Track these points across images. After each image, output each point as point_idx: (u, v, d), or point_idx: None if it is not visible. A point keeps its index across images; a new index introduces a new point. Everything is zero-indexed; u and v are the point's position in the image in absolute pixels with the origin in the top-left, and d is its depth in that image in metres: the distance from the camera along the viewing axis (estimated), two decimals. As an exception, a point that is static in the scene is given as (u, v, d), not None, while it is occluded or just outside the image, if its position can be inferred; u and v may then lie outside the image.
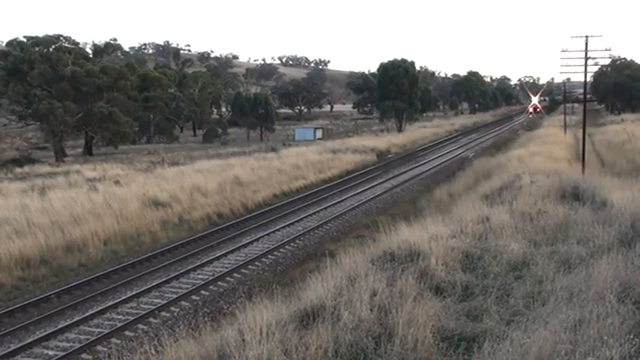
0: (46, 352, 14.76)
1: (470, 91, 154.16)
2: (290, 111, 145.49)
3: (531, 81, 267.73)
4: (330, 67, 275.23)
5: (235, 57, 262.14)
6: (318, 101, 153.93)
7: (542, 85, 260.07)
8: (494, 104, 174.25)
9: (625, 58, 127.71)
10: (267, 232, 26.34)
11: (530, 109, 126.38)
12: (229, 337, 9.36)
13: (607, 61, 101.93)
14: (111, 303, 17.76)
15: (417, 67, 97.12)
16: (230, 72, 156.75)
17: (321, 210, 31.37)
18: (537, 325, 8.64)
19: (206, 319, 15.09)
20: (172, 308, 17.57)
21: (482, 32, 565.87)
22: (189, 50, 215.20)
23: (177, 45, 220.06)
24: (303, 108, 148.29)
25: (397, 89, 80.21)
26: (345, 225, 28.65)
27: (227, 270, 20.81)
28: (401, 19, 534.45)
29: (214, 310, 17.52)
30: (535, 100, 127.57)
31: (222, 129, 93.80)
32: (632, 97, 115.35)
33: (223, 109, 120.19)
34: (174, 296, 18.28)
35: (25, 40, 66.72)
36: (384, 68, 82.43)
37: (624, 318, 8.30)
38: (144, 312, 17.03)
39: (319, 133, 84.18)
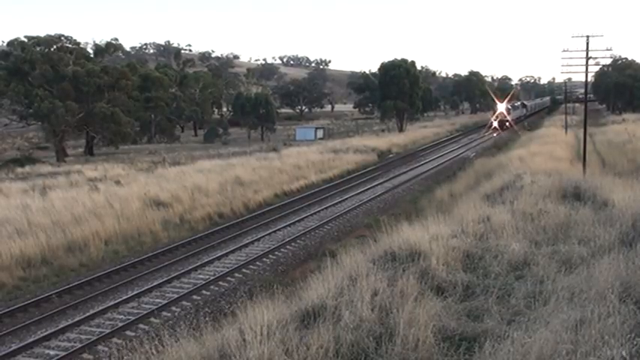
0: (47, 351, 14.78)
1: (471, 91, 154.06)
2: (291, 111, 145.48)
3: (532, 81, 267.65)
4: (331, 66, 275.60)
5: (236, 57, 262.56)
6: (319, 101, 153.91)
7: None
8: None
9: (626, 58, 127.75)
10: (268, 232, 26.35)
11: (495, 124, 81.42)
12: (230, 336, 9.37)
13: (608, 61, 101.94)
14: (112, 303, 17.77)
15: (418, 67, 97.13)
16: (231, 72, 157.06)
17: (322, 210, 31.38)
18: (538, 325, 8.63)
19: (207, 318, 15.13)
20: (173, 308, 17.57)
21: (483, 32, 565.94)
22: (190, 50, 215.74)
23: (179, 45, 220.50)
24: (304, 108, 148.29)
25: (398, 89, 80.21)
26: (346, 225, 28.65)
27: (228, 270, 20.82)
28: (401, 19, 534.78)
29: (215, 310, 17.52)
30: (502, 107, 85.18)
31: (223, 129, 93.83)
32: (634, 97, 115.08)
33: (224, 109, 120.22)
34: (176, 296, 18.29)
35: (26, 40, 66.79)
36: (385, 68, 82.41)
37: (625, 318, 8.29)
38: (145, 312, 17.04)
39: (320, 133, 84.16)
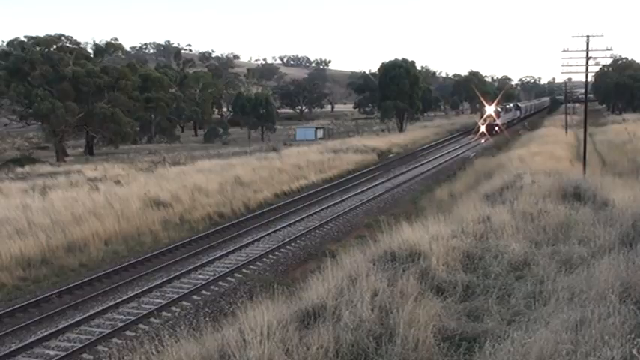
0: (47, 351, 14.77)
1: (471, 90, 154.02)
2: (291, 111, 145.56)
3: (532, 81, 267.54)
4: (331, 66, 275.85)
5: (236, 57, 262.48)
6: (319, 101, 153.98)
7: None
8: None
9: (626, 58, 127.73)
10: (268, 232, 26.34)
11: (483, 129, 72.59)
12: (230, 336, 9.37)
13: (608, 61, 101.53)
14: (112, 303, 17.77)
15: (418, 67, 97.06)
16: (231, 72, 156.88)
17: (322, 210, 31.36)
18: (538, 325, 8.63)
19: (207, 318, 15.13)
20: (173, 308, 17.57)
21: (483, 32, 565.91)
22: (190, 50, 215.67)
23: (179, 45, 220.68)
24: (304, 108, 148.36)
25: (398, 89, 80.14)
26: (346, 225, 28.64)
27: (228, 270, 20.81)
28: (401, 19, 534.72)
29: (215, 310, 17.51)
30: (490, 109, 76.71)
31: (223, 129, 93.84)
32: (634, 97, 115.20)
33: (224, 109, 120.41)
34: (176, 296, 18.28)
35: (26, 40, 66.89)
36: (385, 68, 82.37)
37: (625, 318, 8.29)
38: (145, 312, 17.04)
39: (320, 133, 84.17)
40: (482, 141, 68.15)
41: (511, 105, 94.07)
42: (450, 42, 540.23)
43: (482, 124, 73.99)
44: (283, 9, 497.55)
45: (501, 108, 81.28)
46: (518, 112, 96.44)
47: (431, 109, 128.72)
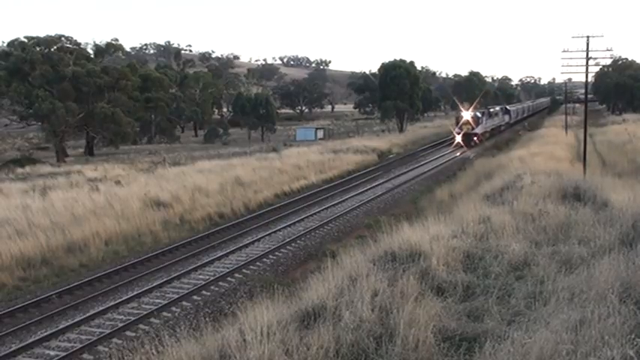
0: (47, 352, 14.77)
1: (471, 91, 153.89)
2: (291, 111, 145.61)
3: (532, 81, 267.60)
4: (332, 67, 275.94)
5: (236, 57, 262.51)
6: (319, 101, 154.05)
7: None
8: (496, 104, 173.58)
9: (626, 59, 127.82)
10: (268, 232, 26.34)
11: (458, 138, 62.19)
12: (230, 337, 9.38)
13: (608, 62, 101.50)
14: (112, 303, 17.76)
15: (418, 68, 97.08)
16: (231, 72, 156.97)
17: (323, 210, 31.35)
18: (538, 326, 8.63)
19: (207, 319, 15.11)
20: (173, 308, 17.57)
21: (484, 32, 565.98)
22: (190, 50, 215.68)
23: (179, 45, 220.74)
24: (304, 108, 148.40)
25: (398, 89, 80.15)
26: (346, 225, 28.63)
27: (228, 270, 20.81)
28: (402, 19, 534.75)
29: (215, 311, 17.51)
30: (467, 115, 64.39)
31: (223, 129, 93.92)
32: (634, 97, 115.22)
33: (224, 110, 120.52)
34: (176, 296, 18.28)
35: (26, 40, 66.90)
36: (385, 68, 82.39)
37: (625, 318, 8.28)
38: (145, 312, 17.04)
39: (320, 134, 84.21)
40: (458, 154, 57.38)
41: (497, 109, 79.46)
42: (450, 42, 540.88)
43: (458, 133, 62.79)
44: (284, 9, 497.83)
45: (482, 112, 68.19)
46: (507, 117, 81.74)
47: (431, 109, 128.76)
